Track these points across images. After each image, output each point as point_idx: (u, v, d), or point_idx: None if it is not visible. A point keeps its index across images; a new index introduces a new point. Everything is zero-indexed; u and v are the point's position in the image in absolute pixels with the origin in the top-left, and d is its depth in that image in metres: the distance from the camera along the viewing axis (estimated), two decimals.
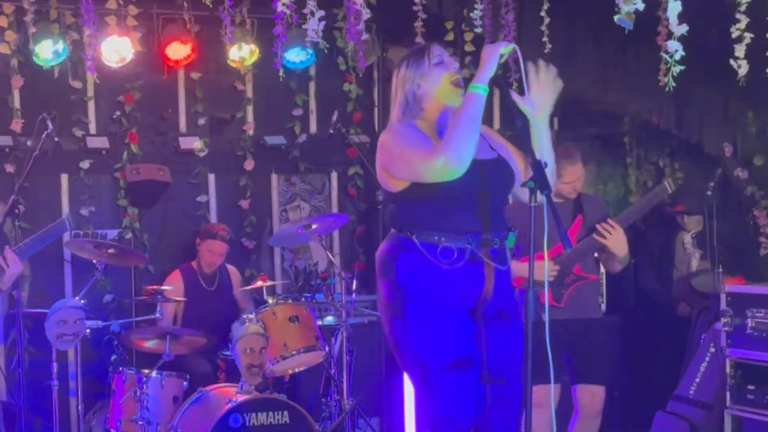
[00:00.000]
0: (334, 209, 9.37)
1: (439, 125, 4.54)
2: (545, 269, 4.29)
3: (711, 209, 6.98)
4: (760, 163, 8.14)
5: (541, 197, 4.15)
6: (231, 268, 8.52)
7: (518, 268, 5.42)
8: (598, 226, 6.12)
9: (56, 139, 7.29)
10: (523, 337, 4.35)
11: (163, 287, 7.31)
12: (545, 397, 5.78)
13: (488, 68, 4.33)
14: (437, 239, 4.38)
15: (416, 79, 4.52)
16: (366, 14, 6.19)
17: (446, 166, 4.26)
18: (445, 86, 4.50)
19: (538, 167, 4.23)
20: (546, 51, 6.89)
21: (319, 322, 7.33)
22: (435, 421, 4.41)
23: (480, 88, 4.31)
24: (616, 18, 5.23)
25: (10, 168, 8.14)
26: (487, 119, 4.75)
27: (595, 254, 6.34)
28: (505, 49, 4.37)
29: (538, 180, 4.18)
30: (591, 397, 6.29)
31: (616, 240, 6.11)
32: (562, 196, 6.22)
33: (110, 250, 6.87)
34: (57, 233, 5.95)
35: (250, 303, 8.41)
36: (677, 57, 5.23)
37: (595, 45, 7.95)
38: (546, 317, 4.29)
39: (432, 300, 4.39)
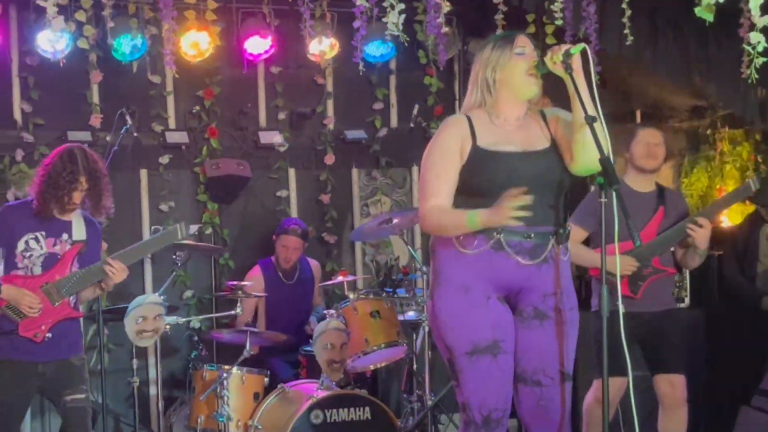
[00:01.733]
0: (415, 203, 9.21)
1: (506, 115, 4.56)
2: (617, 262, 4.48)
3: None
4: None
5: (610, 192, 4.21)
6: (313, 262, 8.47)
7: (594, 258, 5.51)
8: (689, 224, 6.02)
9: (135, 134, 7.32)
10: (564, 339, 4.50)
11: (244, 283, 7.24)
12: (614, 390, 5.69)
13: None
14: None
15: (496, 64, 4.52)
16: (446, 7, 6.12)
17: (421, 222, 4.61)
18: (520, 77, 4.50)
19: (606, 163, 4.22)
20: (627, 43, 6.76)
21: (401, 318, 7.24)
22: (463, 405, 4.54)
23: (471, 221, 4.40)
24: (696, 10, 5.12)
25: None
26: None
27: (671, 248, 6.25)
28: (575, 49, 4.34)
29: (607, 176, 4.19)
30: (671, 386, 6.19)
31: (703, 235, 6.02)
32: (640, 169, 6.23)
33: (190, 245, 6.82)
34: (167, 241, 5.85)
35: (321, 300, 8.36)
36: (760, 48, 5.14)
37: (677, 37, 7.80)
38: (603, 309, 4.37)
39: (456, 284, 4.47)
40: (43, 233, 5.64)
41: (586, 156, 4.38)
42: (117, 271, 5.59)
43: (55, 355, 5.63)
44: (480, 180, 4.45)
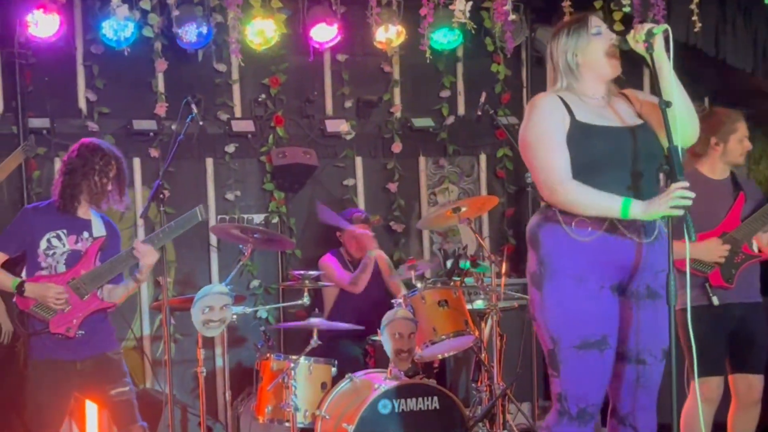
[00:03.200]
0: (483, 192, 9.24)
1: (593, 94, 4.53)
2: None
3: None
4: None
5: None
6: (379, 253, 8.37)
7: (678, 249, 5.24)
8: None
9: (201, 122, 7.26)
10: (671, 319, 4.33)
11: (310, 272, 7.18)
12: (710, 392, 5.56)
13: None
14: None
15: (574, 48, 4.51)
16: None
17: (552, 197, 4.42)
18: (602, 57, 4.48)
19: (674, 153, 4.16)
20: (696, 30, 6.63)
21: (469, 307, 7.13)
22: (559, 395, 4.48)
23: (624, 210, 4.28)
24: None
25: (154, 152, 8.16)
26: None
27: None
28: (657, 29, 4.26)
29: (671, 166, 4.14)
30: (748, 387, 6.06)
31: None
32: (731, 163, 6.13)
33: (256, 235, 6.77)
34: (189, 223, 5.85)
35: (401, 287, 8.28)
36: None
37: (746, 23, 7.67)
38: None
39: (570, 275, 4.39)
40: (65, 231, 5.70)
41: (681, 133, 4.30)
42: (145, 252, 5.63)
43: (91, 350, 5.67)
44: (584, 155, 4.38)
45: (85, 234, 5.73)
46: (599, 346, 4.36)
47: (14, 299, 5.63)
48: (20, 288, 5.57)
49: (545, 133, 4.45)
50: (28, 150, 5.14)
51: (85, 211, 5.79)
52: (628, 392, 4.53)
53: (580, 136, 4.38)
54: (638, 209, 4.21)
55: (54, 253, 5.66)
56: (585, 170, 4.35)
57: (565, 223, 4.38)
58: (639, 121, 4.50)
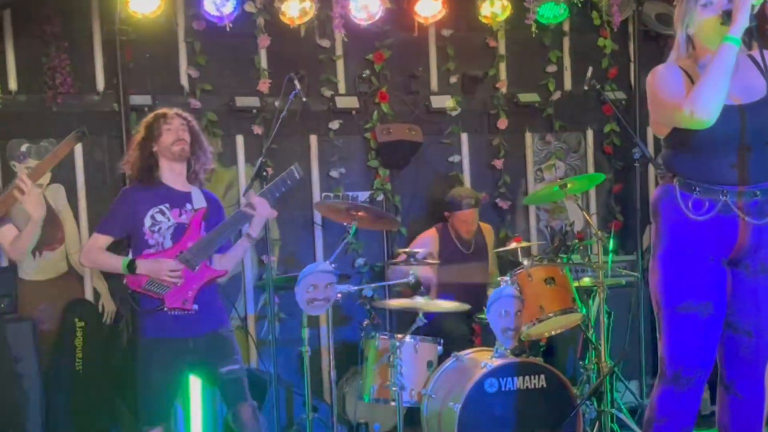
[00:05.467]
0: (590, 168, 9.16)
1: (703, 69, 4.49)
2: None
3: None
4: None
5: None
6: (485, 226, 8.33)
7: None
8: None
9: (304, 99, 7.24)
10: None
11: (416, 250, 7.10)
12: None
13: (741, 19, 4.25)
14: (693, 189, 4.49)
15: (689, 21, 4.52)
16: None
17: (693, 117, 4.30)
18: (710, 30, 4.44)
19: None
20: None
21: (576, 284, 7.07)
22: (662, 358, 4.66)
23: (732, 39, 4.25)
24: None
25: (257, 129, 8.11)
26: None
27: None
28: (757, 0, 4.26)
29: None
30: None
31: None
32: None
33: (360, 213, 6.69)
34: (290, 181, 5.80)
35: (496, 269, 8.19)
36: None
37: None
38: None
39: (681, 247, 4.55)
40: (167, 205, 5.70)
41: None
42: (260, 204, 5.67)
43: (203, 328, 5.67)
44: (698, 135, 4.39)
45: (188, 206, 5.72)
46: (701, 309, 4.51)
47: (125, 280, 5.61)
48: (131, 266, 5.56)
49: (668, 83, 4.49)
50: (81, 136, 5.11)
51: (183, 183, 5.79)
52: (733, 361, 4.67)
53: None
54: None
55: (159, 229, 5.65)
56: (697, 151, 4.45)
57: (683, 200, 4.50)
58: (763, 94, 4.45)
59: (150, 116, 5.80)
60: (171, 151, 5.69)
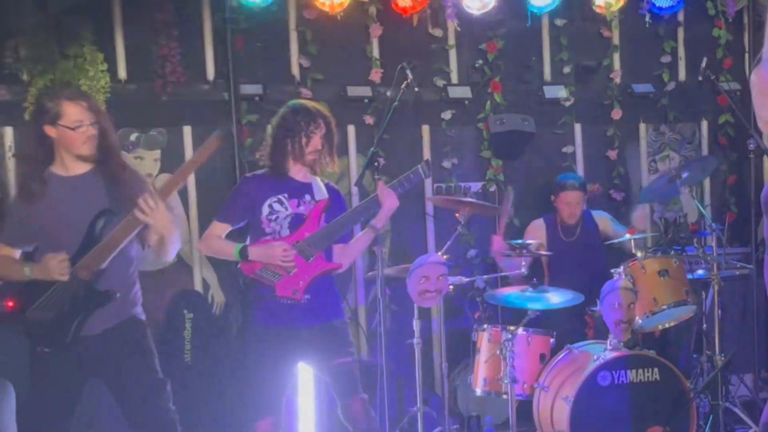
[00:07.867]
0: None
1: None
2: None
3: None
4: None
5: None
6: (598, 215, 8.22)
7: None
8: None
9: (416, 89, 7.20)
10: None
11: (529, 241, 7.05)
12: None
13: None
14: None
15: None
16: None
17: None
18: None
19: None
20: None
21: (690, 276, 7.06)
22: None
23: None
24: None
25: (369, 119, 8.10)
26: None
27: None
28: None
29: None
30: None
31: None
32: None
33: (471, 206, 6.64)
34: (414, 180, 5.79)
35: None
36: None
37: None
38: None
39: None
40: (286, 195, 5.72)
41: None
42: (389, 195, 5.69)
43: (316, 319, 5.67)
44: None
45: (307, 197, 5.74)
46: None
47: (239, 266, 5.64)
48: (244, 252, 5.59)
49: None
50: (222, 138, 5.07)
51: (304, 175, 5.80)
52: None
53: None
54: None
55: (277, 218, 5.68)
56: None
57: None
58: None
59: (299, 113, 5.75)
60: (305, 158, 5.71)
